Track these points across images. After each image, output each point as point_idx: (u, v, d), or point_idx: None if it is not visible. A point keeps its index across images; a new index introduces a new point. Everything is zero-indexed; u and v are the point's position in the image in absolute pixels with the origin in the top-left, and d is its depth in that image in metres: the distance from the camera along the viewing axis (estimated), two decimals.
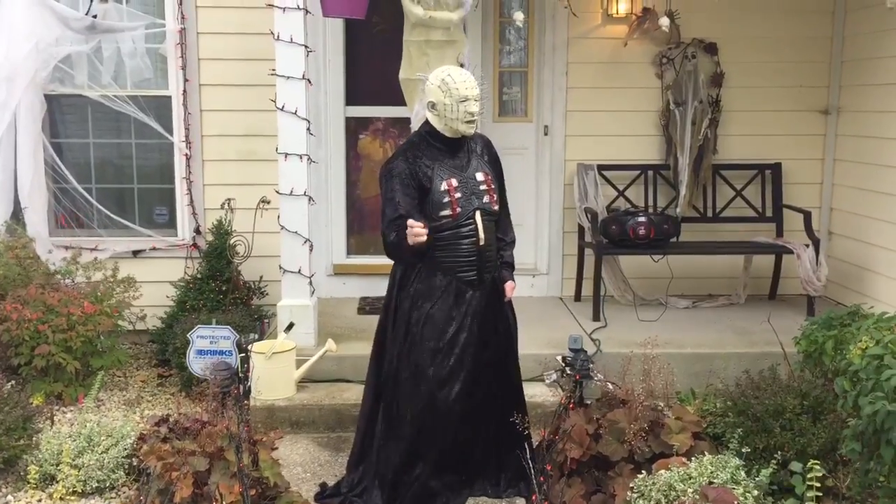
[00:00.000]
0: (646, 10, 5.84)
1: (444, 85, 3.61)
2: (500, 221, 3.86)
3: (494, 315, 3.85)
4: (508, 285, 3.87)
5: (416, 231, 3.48)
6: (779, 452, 3.43)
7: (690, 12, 5.83)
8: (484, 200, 3.71)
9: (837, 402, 3.33)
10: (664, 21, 5.60)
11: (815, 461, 3.04)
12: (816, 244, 5.51)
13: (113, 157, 5.89)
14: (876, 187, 5.52)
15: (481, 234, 3.68)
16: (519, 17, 5.51)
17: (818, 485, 2.96)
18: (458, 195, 3.65)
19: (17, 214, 5.57)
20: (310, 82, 4.84)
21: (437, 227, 3.64)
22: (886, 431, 2.83)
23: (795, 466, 3.21)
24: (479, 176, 3.73)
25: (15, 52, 5.38)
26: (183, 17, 5.62)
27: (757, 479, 3.26)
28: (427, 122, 3.72)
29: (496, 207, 3.78)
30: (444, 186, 3.64)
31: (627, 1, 5.85)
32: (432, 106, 3.66)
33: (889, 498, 2.97)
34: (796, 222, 5.82)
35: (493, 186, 3.76)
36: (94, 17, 5.53)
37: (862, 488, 3.10)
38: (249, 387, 4.46)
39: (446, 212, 3.64)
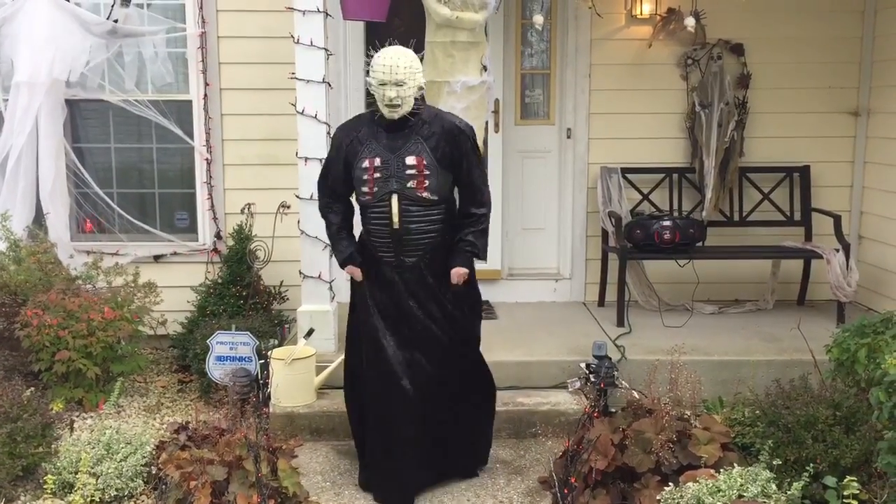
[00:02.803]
0: (671, 11, 5.75)
1: (371, 67, 3.63)
2: (462, 203, 3.81)
3: (426, 299, 3.78)
4: (454, 272, 3.79)
5: (354, 275, 3.88)
6: (811, 465, 3.33)
7: (716, 12, 5.73)
8: (408, 185, 3.65)
9: (872, 414, 3.23)
10: (690, 21, 5.52)
11: (852, 478, 2.94)
12: (846, 248, 5.39)
13: (134, 162, 5.89)
14: None
15: (395, 218, 3.66)
16: (538, 20, 5.44)
17: (854, 502, 2.86)
18: (377, 175, 3.66)
19: (39, 219, 5.58)
20: (330, 86, 4.80)
21: (363, 203, 3.77)
22: None
23: (829, 481, 3.11)
24: (410, 160, 3.64)
25: (36, 57, 5.39)
26: (204, 22, 5.61)
27: (788, 492, 3.17)
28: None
29: (423, 194, 3.66)
30: (365, 164, 3.68)
31: (652, 1, 5.76)
32: (369, 85, 3.69)
33: None
34: (826, 226, 5.70)
35: (425, 173, 3.64)
36: (116, 21, 5.53)
37: None
38: (269, 393, 4.42)
39: (365, 188, 3.70)
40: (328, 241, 4.77)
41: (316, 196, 4.73)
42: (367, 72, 3.68)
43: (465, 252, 3.78)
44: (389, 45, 3.68)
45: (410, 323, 3.78)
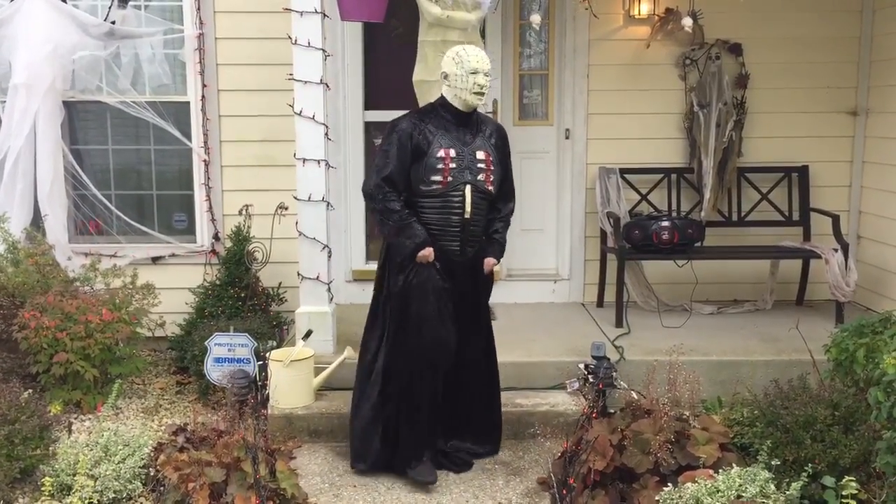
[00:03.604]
0: (668, 11, 5.75)
1: (457, 57, 3.89)
2: (496, 198, 4.06)
3: (473, 288, 4.10)
4: (488, 261, 4.09)
5: (430, 258, 3.89)
6: (809, 465, 3.32)
7: (714, 12, 5.73)
8: (478, 178, 3.93)
9: (870, 414, 3.23)
10: (687, 22, 5.51)
11: (851, 478, 2.94)
12: (845, 248, 5.39)
13: (132, 164, 5.88)
14: None
15: (468, 208, 3.90)
16: (535, 19, 5.43)
17: (853, 502, 2.85)
18: (452, 165, 3.87)
19: (36, 221, 5.57)
20: (328, 86, 4.80)
21: (428, 193, 3.90)
22: None
23: (828, 481, 3.11)
24: (480, 154, 3.95)
25: (34, 59, 5.38)
26: (201, 23, 5.60)
27: (787, 492, 3.16)
28: (442, 95, 3.97)
29: (489, 188, 3.99)
30: (440, 153, 3.87)
31: (650, 2, 5.76)
32: (445, 76, 3.92)
33: None
34: (824, 226, 5.69)
35: (491, 168, 3.96)
36: (113, 23, 5.52)
37: None
38: (267, 395, 4.42)
39: (437, 178, 3.87)
40: (325, 243, 4.82)
41: (315, 197, 4.78)
42: (443, 65, 3.94)
43: (500, 244, 4.11)
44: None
45: (465, 309, 4.05)
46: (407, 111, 4.13)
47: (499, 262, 4.17)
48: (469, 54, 3.86)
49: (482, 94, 3.88)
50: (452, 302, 4.00)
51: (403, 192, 3.93)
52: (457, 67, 3.86)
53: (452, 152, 3.87)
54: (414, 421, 3.99)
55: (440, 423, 4.12)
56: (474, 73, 3.83)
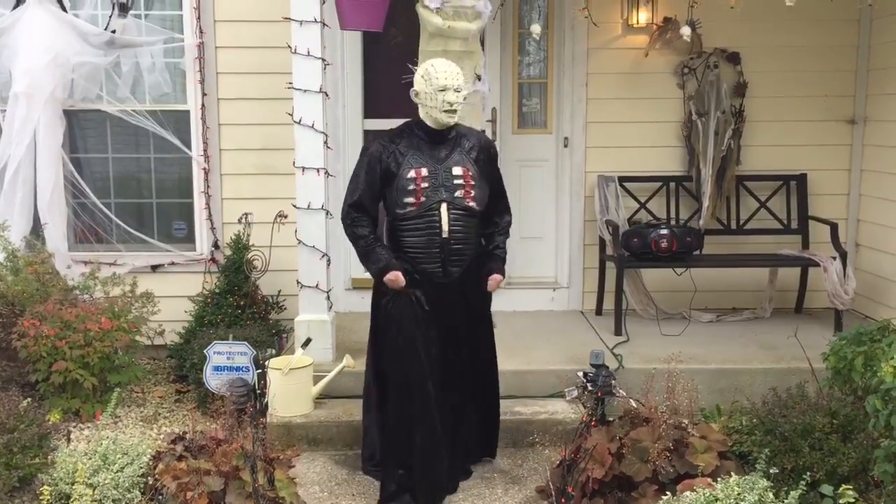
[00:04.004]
0: (667, 20, 5.77)
1: (426, 74, 3.74)
2: (491, 213, 3.95)
3: (467, 310, 3.96)
4: (494, 279, 3.96)
5: (397, 282, 3.75)
6: (808, 473, 3.32)
7: (712, 22, 5.74)
8: (456, 195, 3.78)
9: (868, 422, 3.23)
10: (686, 31, 5.52)
11: (847, 486, 2.94)
12: (843, 256, 5.40)
13: (132, 172, 5.90)
14: None
15: (444, 227, 3.75)
16: (536, 29, 5.45)
17: None
18: (424, 185, 3.74)
19: (36, 230, 5.58)
20: (327, 95, 4.82)
21: (404, 215, 3.77)
22: None
23: (826, 489, 3.11)
24: (457, 170, 3.80)
25: (35, 69, 5.40)
26: (201, 32, 5.62)
27: (786, 501, 3.14)
28: (417, 113, 3.85)
29: (470, 203, 3.81)
30: (411, 174, 3.74)
31: (648, 11, 5.78)
32: (416, 95, 3.79)
33: None
34: (822, 234, 5.71)
35: (471, 183, 3.80)
36: (113, 32, 5.55)
37: None
38: (266, 403, 4.42)
39: (410, 199, 3.74)
40: (324, 251, 4.83)
41: (314, 205, 4.79)
42: (412, 83, 3.81)
43: (501, 259, 4.01)
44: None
45: (456, 332, 3.92)
46: (402, 121, 4.04)
47: (504, 277, 4.05)
48: (437, 70, 3.70)
49: (453, 111, 3.73)
50: (436, 328, 3.84)
51: (376, 217, 3.86)
52: (426, 85, 3.71)
53: (424, 171, 3.73)
54: (409, 449, 3.83)
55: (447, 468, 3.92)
56: (443, 90, 3.67)
